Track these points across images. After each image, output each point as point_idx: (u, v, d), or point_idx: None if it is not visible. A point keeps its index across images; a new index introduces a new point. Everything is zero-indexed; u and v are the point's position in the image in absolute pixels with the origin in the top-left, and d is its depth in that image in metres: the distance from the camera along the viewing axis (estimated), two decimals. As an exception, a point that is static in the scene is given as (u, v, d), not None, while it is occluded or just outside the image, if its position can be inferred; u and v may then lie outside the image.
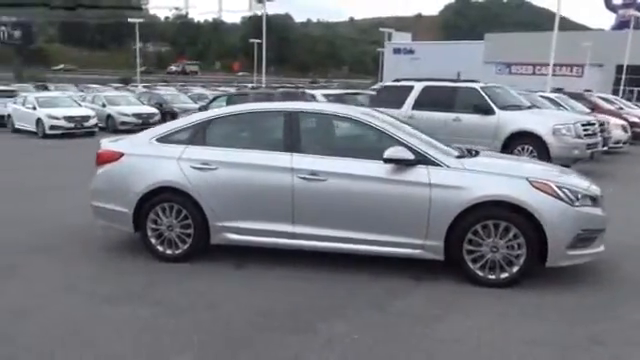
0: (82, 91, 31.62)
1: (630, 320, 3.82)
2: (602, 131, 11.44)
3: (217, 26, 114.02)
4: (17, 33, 39.61)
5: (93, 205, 5.21)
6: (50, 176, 9.65)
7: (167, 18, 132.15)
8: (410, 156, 4.37)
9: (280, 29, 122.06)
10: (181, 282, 4.48)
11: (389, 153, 4.35)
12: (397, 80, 12.97)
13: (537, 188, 4.25)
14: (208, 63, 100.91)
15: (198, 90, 31.74)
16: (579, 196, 4.32)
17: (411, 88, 12.09)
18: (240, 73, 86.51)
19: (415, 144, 4.50)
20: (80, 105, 18.49)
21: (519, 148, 10.37)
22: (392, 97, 12.42)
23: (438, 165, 4.41)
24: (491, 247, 4.28)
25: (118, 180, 5.04)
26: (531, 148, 10.22)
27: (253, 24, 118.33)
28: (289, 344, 3.42)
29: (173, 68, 50.74)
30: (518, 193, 4.22)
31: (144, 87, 41.07)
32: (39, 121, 16.63)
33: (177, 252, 4.92)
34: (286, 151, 4.69)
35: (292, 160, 4.63)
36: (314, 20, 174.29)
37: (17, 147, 14.72)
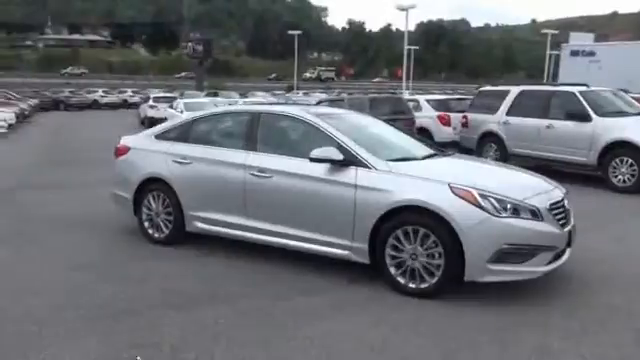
0: (245, 97, 35.15)
1: (516, 347, 3.39)
2: None
3: (388, 34, 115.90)
4: (199, 48, 45.36)
5: (111, 192, 6.10)
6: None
7: (344, 28, 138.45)
8: (337, 157, 4.39)
9: (453, 35, 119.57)
10: (143, 261, 5.08)
11: (314, 153, 4.43)
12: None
13: (457, 195, 3.96)
14: (377, 70, 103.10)
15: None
16: (508, 207, 3.91)
17: (507, 93, 11.34)
18: (376, 79, 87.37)
19: (349, 145, 4.49)
20: (219, 110, 20.69)
21: (617, 161, 9.09)
22: (488, 102, 11.80)
23: (366, 167, 4.36)
24: (411, 254, 4.10)
25: (125, 170, 5.87)
26: (631, 161, 8.90)
27: (423, 31, 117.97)
28: (165, 319, 3.75)
29: (307, 75, 52.47)
30: (434, 198, 3.98)
31: (303, 93, 43.77)
32: (184, 123, 19.04)
33: (162, 236, 5.55)
34: (244, 149, 5.03)
35: (247, 158, 4.95)
36: (493, 24, 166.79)
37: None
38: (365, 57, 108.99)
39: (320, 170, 4.51)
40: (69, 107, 37.70)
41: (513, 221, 3.90)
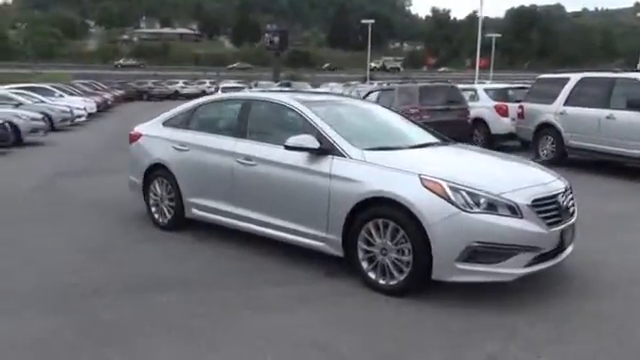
0: (316, 87, 35.56)
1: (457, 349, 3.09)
2: None
3: (474, 21, 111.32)
4: (276, 39, 46.11)
5: (128, 178, 6.30)
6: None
7: (427, 17, 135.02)
8: (313, 145, 4.23)
9: (546, 21, 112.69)
10: (141, 244, 5.21)
11: (290, 141, 4.30)
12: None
13: (427, 187, 3.67)
14: (460, 59, 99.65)
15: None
16: (481, 201, 3.57)
17: (566, 81, 10.48)
18: (442, 69, 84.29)
19: (327, 133, 4.31)
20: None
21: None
22: (546, 91, 10.98)
23: (342, 156, 4.17)
24: (381, 249, 3.88)
25: (136, 156, 6.04)
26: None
27: (513, 17, 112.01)
28: (123, 302, 3.82)
29: (372, 65, 51.27)
30: (402, 190, 3.73)
31: (378, 84, 43.28)
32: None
33: (165, 221, 5.66)
34: (235, 136, 5.00)
35: (236, 145, 4.91)
36: (591, 9, 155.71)
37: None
38: (449, 46, 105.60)
39: (300, 159, 4.37)
40: (151, 97, 39.88)
41: (485, 217, 3.56)
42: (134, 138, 6.12)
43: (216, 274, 4.41)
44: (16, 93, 18.07)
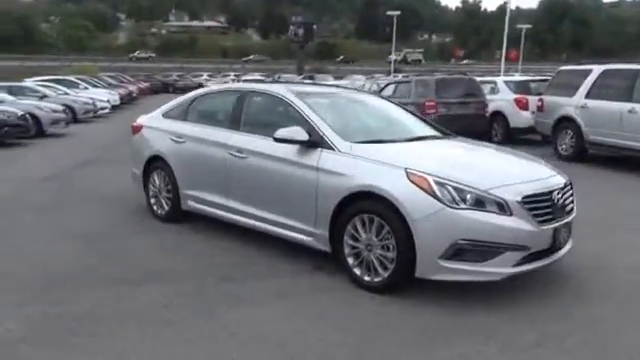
0: (340, 79, 35.50)
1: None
2: None
3: (505, 13, 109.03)
4: (301, 31, 45.96)
5: (131, 170, 6.33)
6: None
7: (457, 8, 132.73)
8: (302, 137, 4.14)
9: (580, 12, 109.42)
10: (138, 236, 5.21)
11: (279, 133, 4.22)
12: None
13: (412, 181, 3.55)
14: (490, 52, 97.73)
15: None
16: (467, 197, 3.43)
17: (588, 72, 10.11)
18: (464, 61, 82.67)
19: (317, 125, 4.21)
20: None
21: None
22: (566, 83, 10.62)
23: (331, 149, 4.07)
24: (366, 245, 3.78)
25: (137, 148, 6.05)
26: None
27: (546, 8, 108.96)
28: (105, 293, 3.81)
29: (393, 57, 50.06)
30: (387, 184, 3.61)
31: (403, 76, 42.79)
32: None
33: (163, 212, 5.67)
34: (229, 129, 4.95)
35: (230, 137, 4.86)
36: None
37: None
38: (479, 38, 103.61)
39: (289, 151, 4.30)
40: (176, 90, 40.33)
41: (471, 214, 3.42)
42: (136, 130, 6.13)
43: (205, 267, 4.35)
44: (42, 85, 18.47)
